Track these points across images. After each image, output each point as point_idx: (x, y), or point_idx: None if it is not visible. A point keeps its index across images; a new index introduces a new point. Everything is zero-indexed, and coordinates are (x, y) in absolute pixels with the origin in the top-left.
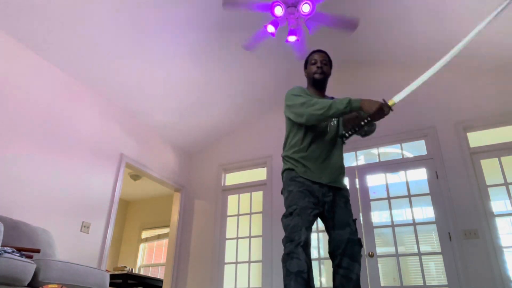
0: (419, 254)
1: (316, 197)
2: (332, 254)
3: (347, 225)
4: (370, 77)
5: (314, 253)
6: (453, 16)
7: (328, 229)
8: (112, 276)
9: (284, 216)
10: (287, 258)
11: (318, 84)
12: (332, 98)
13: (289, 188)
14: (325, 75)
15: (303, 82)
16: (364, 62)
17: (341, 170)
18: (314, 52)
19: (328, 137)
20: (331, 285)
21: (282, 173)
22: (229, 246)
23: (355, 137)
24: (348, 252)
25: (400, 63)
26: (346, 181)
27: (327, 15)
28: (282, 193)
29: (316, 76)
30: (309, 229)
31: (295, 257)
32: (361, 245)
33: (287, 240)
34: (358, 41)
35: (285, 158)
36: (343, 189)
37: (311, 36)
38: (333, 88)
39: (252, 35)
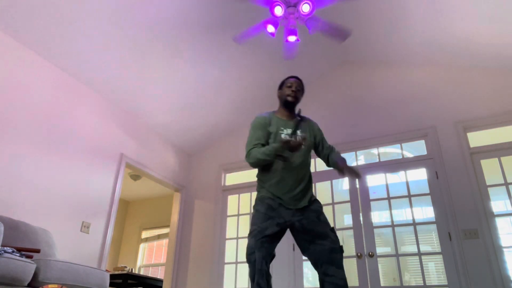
0: (419, 254)
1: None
2: (316, 264)
3: (326, 235)
4: (370, 77)
5: None
6: (453, 16)
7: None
8: (112, 276)
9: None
10: None
11: (288, 106)
12: (301, 118)
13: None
14: (297, 100)
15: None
16: (364, 62)
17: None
18: (291, 77)
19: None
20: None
21: None
22: (229, 246)
23: (354, 137)
24: (332, 261)
25: (400, 63)
26: (344, 182)
27: (322, 20)
28: None
29: (289, 98)
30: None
31: None
32: (342, 251)
33: None
34: (358, 41)
35: None
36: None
37: (311, 36)
38: (333, 88)
39: (246, 29)
